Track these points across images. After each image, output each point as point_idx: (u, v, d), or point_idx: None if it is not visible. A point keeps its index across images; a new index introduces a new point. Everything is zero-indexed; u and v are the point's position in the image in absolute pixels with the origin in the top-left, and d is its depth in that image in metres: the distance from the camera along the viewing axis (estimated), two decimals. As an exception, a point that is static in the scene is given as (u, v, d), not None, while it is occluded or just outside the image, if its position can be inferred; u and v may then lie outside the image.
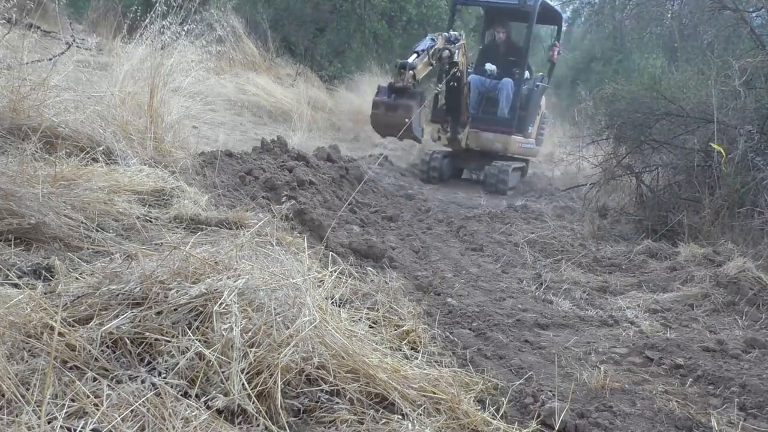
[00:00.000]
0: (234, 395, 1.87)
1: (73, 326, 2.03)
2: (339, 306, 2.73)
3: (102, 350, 1.95)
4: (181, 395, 1.86)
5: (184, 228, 3.57)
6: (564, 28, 11.55)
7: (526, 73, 9.04)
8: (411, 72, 6.36)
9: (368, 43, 14.87)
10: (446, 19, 14.62)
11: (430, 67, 7.01)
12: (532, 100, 9.11)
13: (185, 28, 5.56)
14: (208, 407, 1.85)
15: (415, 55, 6.68)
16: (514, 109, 8.72)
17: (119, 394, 1.79)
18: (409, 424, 2.01)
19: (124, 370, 1.91)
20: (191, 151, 5.20)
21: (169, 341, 1.98)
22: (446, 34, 7.36)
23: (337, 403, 2.06)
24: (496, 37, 9.27)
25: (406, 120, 6.22)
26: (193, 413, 1.79)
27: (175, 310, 2.07)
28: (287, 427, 1.92)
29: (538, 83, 9.25)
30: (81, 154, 3.88)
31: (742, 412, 2.57)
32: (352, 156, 8.37)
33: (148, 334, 2.00)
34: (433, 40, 6.93)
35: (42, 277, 2.53)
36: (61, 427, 1.63)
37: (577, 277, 4.50)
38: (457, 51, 7.39)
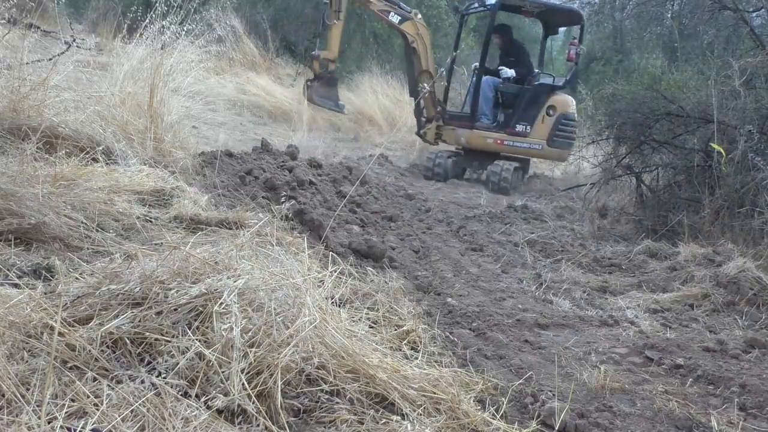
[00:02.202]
0: (234, 395, 1.87)
1: (73, 326, 2.03)
2: (339, 306, 2.73)
3: (102, 350, 1.95)
4: (181, 395, 1.86)
5: (184, 228, 3.57)
6: (564, 28, 11.61)
7: (510, 72, 9.18)
8: (315, 62, 8.01)
9: (368, 43, 14.87)
10: (446, 19, 14.65)
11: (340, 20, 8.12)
12: (524, 98, 9.13)
13: (185, 28, 5.55)
14: (208, 407, 1.85)
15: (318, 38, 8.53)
16: (475, 105, 9.15)
17: (119, 394, 1.79)
18: (409, 425, 2.01)
19: (124, 370, 1.91)
20: (191, 151, 5.20)
21: (169, 341, 1.98)
22: None
23: (337, 403, 2.06)
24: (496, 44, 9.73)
25: (314, 98, 8.13)
26: (193, 413, 1.79)
27: (175, 310, 2.07)
28: (287, 427, 1.92)
29: (536, 82, 9.33)
30: (81, 154, 3.88)
31: (742, 412, 2.57)
32: (352, 156, 8.39)
33: (148, 334, 2.00)
34: (325, 3, 8.15)
35: (42, 277, 2.53)
36: (61, 427, 1.63)
37: (577, 277, 4.50)
38: (396, 15, 8.39)
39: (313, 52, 8.02)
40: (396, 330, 2.78)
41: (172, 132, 5.09)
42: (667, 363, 3.01)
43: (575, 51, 9.44)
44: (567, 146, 9.38)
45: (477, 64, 9.76)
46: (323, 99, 7.87)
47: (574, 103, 9.45)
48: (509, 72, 9.21)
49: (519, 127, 9.12)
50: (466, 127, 9.12)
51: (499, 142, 9.10)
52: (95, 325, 2.01)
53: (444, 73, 9.63)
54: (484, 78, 9.20)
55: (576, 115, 9.41)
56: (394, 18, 8.37)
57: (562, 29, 11.71)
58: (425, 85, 8.41)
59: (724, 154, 5.03)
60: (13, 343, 1.89)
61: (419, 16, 8.72)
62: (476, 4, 9.96)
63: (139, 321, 2.03)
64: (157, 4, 5.36)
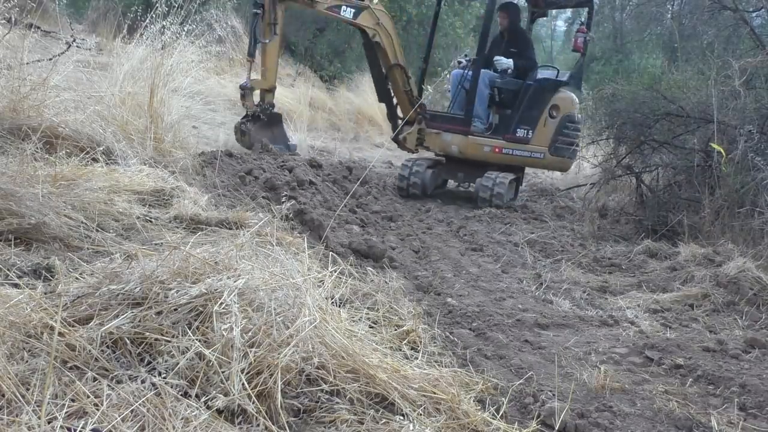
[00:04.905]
0: (234, 395, 1.87)
1: (73, 326, 2.03)
2: (339, 306, 2.73)
3: (102, 350, 1.95)
4: (181, 395, 1.86)
5: (184, 228, 3.57)
6: (564, 27, 11.44)
7: (508, 63, 7.33)
8: (248, 96, 6.45)
9: (368, 42, 14.84)
10: (446, 19, 14.61)
11: (276, 35, 6.49)
12: (526, 97, 7.30)
13: (185, 28, 5.56)
14: (208, 407, 1.85)
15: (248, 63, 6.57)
16: (471, 106, 7.32)
17: (119, 394, 1.79)
18: (410, 425, 2.01)
19: (124, 370, 1.91)
20: (191, 151, 5.21)
21: (169, 341, 1.98)
22: None
23: (337, 403, 2.06)
24: (500, 25, 7.80)
25: (255, 145, 6.35)
26: (193, 413, 1.79)
27: (175, 310, 2.07)
28: (287, 427, 1.92)
29: (539, 77, 7.57)
30: (81, 154, 3.89)
31: (742, 412, 2.57)
32: (352, 156, 8.38)
33: (148, 334, 2.00)
34: (255, 13, 6.36)
35: (42, 277, 2.53)
36: (61, 427, 1.63)
37: (577, 277, 4.49)
38: (349, 8, 6.78)
39: (243, 83, 6.32)
40: (396, 330, 2.78)
41: (172, 132, 5.10)
42: (667, 363, 3.01)
43: (582, 39, 7.42)
44: (571, 154, 7.47)
45: (465, 55, 7.99)
46: (268, 142, 6.42)
47: (578, 102, 7.60)
48: (507, 62, 7.31)
49: (520, 132, 7.32)
50: (459, 132, 7.31)
51: (497, 150, 7.27)
52: (95, 325, 2.01)
53: (448, 77, 8.14)
54: (488, 73, 7.35)
55: (580, 116, 7.53)
56: (348, 13, 6.75)
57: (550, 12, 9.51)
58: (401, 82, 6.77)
59: (724, 154, 5.03)
60: (13, 343, 1.89)
61: (375, 0, 7.12)
62: None
63: (139, 321, 2.03)
64: (158, 4, 5.37)
